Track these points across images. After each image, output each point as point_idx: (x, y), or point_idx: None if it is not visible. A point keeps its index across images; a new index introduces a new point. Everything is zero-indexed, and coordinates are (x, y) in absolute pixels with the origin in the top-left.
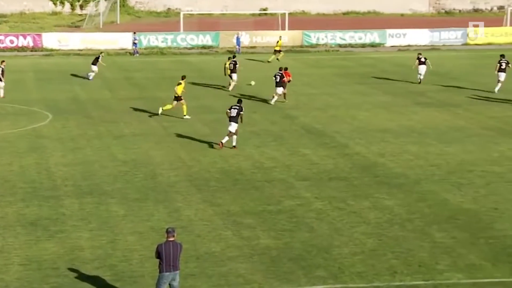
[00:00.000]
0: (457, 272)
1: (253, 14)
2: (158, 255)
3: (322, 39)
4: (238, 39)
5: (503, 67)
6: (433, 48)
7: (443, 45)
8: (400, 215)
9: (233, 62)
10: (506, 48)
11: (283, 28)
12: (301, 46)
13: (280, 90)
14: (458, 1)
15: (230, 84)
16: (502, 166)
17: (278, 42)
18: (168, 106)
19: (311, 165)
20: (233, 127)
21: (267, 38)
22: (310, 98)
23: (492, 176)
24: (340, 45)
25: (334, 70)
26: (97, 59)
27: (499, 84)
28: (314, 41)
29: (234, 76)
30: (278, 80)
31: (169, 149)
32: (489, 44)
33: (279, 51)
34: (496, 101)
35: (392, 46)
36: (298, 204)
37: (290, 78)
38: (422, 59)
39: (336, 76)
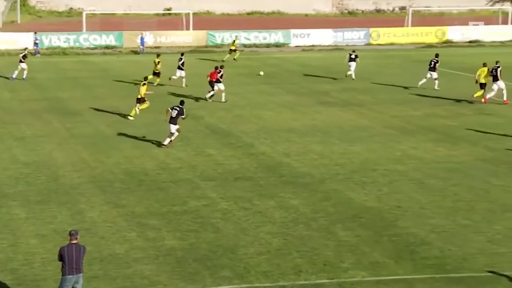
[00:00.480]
0: (361, 270)
1: (157, 14)
2: (61, 258)
3: (227, 39)
4: (142, 39)
5: (432, 65)
6: (336, 48)
7: (347, 45)
8: (305, 214)
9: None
10: (408, 48)
11: (187, 28)
12: (206, 46)
13: (221, 86)
14: (360, 1)
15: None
16: (404, 165)
17: (234, 41)
18: (133, 111)
19: (217, 165)
20: (172, 128)
21: (172, 38)
22: (215, 98)
23: (395, 174)
24: (244, 45)
25: (239, 70)
26: (24, 56)
27: (424, 80)
28: (218, 41)
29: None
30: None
31: (72, 151)
32: (391, 44)
33: (235, 50)
34: (397, 102)
35: (296, 46)
36: (204, 204)
37: (218, 78)
38: (353, 56)
39: (241, 76)
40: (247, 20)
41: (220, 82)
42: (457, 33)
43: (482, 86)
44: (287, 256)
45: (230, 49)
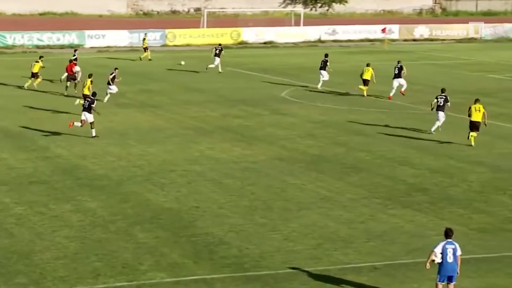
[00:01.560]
0: (160, 272)
1: None
2: None
3: (19, 40)
4: None
5: (322, 65)
6: (132, 49)
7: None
8: (103, 217)
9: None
10: (204, 49)
11: None
12: None
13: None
14: (156, 2)
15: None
16: (202, 165)
17: (144, 39)
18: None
19: (10, 170)
20: (90, 117)
21: None
22: (6, 100)
23: (193, 175)
24: (38, 46)
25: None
26: None
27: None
28: (10, 42)
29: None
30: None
31: None
32: (187, 45)
33: (145, 48)
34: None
35: (91, 47)
36: None
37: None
38: (217, 51)
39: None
40: (39, 20)
41: (111, 84)
42: (251, 34)
43: (366, 82)
44: (85, 260)
45: (145, 48)
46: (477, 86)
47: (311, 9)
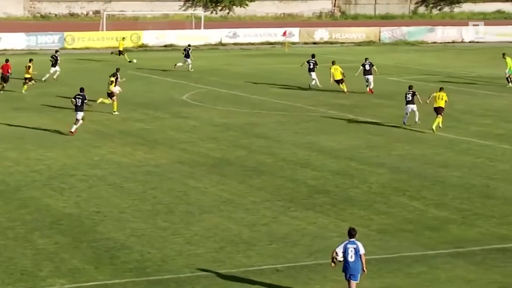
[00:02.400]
0: (60, 278)
1: None
2: None
3: None
4: None
5: (311, 66)
6: (30, 52)
7: (41, 49)
8: (0, 223)
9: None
10: (104, 52)
11: None
12: None
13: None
14: (53, 5)
15: None
16: (103, 169)
17: (121, 41)
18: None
19: None
20: (79, 115)
21: None
22: None
23: (94, 179)
24: None
25: None
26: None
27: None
28: None
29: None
30: None
31: None
32: (86, 48)
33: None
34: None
35: None
36: None
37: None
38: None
39: None
40: None
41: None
42: (152, 37)
43: (339, 82)
44: None
45: (123, 50)
46: (377, 89)
47: (211, 12)
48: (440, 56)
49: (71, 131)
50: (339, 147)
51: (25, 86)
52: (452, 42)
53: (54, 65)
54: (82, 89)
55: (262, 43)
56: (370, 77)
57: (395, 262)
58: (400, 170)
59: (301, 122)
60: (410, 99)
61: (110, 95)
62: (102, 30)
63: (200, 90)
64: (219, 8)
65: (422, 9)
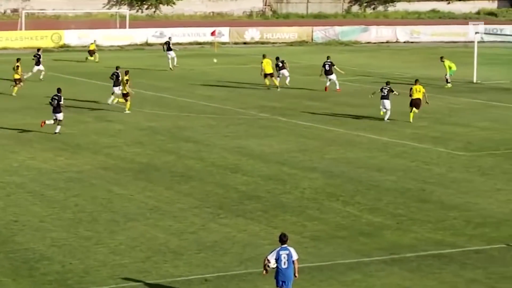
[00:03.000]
0: None
1: None
2: None
3: None
4: None
5: (280, 65)
6: None
7: None
8: None
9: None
10: (24, 53)
11: None
12: None
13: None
14: None
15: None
16: (22, 176)
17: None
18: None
19: None
20: (59, 116)
21: None
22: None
23: (12, 187)
24: None
25: None
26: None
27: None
28: None
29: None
30: None
31: None
32: (4, 48)
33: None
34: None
35: None
36: None
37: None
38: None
39: None
40: None
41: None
42: (74, 37)
43: (267, 75)
44: None
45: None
46: (309, 90)
47: (137, 11)
48: (374, 56)
49: (43, 121)
50: (270, 151)
51: (15, 88)
52: (387, 42)
53: (37, 63)
54: (59, 90)
55: (191, 43)
56: (333, 77)
57: (328, 270)
58: (334, 174)
59: (231, 125)
60: (385, 94)
61: (125, 95)
62: (21, 29)
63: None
64: (145, 6)
65: (355, 8)
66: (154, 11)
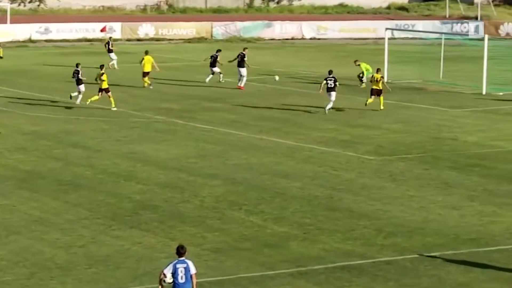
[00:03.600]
0: None
1: None
2: None
3: None
4: None
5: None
6: None
7: None
8: None
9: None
10: None
11: None
12: None
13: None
14: None
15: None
16: None
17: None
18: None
19: None
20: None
21: None
22: None
23: None
24: None
25: None
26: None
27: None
28: None
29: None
30: None
31: None
32: None
33: None
34: None
35: None
36: None
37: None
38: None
39: None
40: None
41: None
42: None
43: (145, 74)
44: None
45: None
46: (210, 91)
47: (19, 5)
48: (279, 54)
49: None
50: (167, 156)
51: None
52: (292, 39)
53: None
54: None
55: (79, 40)
56: (243, 70)
57: (230, 284)
58: (236, 181)
59: (124, 129)
60: (332, 86)
61: (107, 90)
62: None
63: (5, 93)
64: (28, 0)
65: (258, 2)
66: (38, 5)
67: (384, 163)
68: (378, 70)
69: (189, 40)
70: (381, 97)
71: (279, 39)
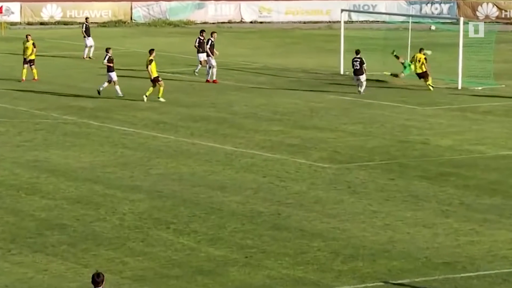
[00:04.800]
0: None
1: None
2: None
3: None
4: None
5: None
6: None
7: None
8: None
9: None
10: None
11: None
12: None
13: None
14: None
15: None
16: None
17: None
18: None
19: None
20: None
21: None
22: None
23: None
24: None
25: None
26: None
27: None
28: None
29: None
30: None
31: None
32: None
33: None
34: None
35: None
36: None
37: None
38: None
39: None
40: None
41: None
42: None
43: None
44: None
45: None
46: (130, 85)
47: None
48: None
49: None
50: (78, 165)
51: None
52: (228, 22)
53: None
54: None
55: None
56: (212, 61)
57: None
58: (163, 195)
59: (25, 132)
60: (358, 67)
61: (155, 80)
62: None
63: None
64: None
65: None
66: None
67: (341, 172)
68: (421, 50)
69: (104, 24)
70: (429, 79)
71: (213, 23)
